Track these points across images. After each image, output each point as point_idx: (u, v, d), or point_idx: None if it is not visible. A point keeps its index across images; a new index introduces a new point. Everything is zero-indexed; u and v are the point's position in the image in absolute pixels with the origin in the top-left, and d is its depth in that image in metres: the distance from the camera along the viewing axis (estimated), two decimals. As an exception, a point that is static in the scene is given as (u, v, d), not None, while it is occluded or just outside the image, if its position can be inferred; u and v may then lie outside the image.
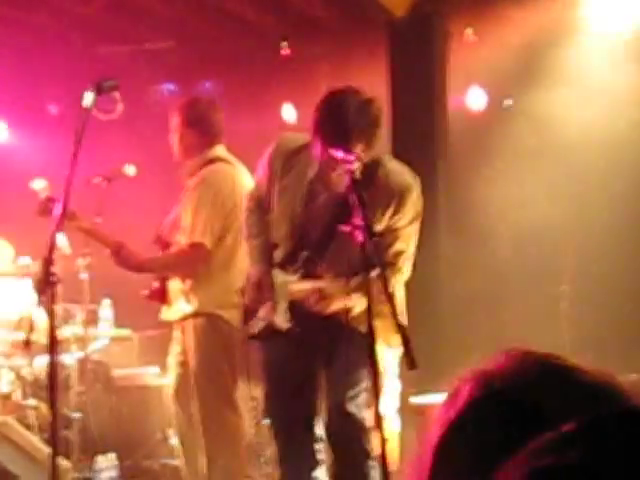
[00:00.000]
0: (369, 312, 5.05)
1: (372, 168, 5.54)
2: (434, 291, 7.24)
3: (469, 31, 8.17)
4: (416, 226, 5.76)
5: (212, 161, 7.43)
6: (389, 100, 7.17)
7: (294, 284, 5.77)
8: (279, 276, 5.81)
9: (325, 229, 5.75)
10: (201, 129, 7.45)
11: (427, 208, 6.23)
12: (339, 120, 5.41)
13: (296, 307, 5.78)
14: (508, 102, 8.79)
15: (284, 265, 5.83)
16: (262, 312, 5.84)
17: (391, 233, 5.58)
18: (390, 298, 4.79)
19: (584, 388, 1.59)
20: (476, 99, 8.79)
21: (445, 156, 7.01)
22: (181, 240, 7.31)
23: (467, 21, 7.89)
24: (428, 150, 6.94)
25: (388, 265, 5.33)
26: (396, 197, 5.63)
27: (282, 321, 5.79)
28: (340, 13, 7.97)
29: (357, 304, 5.71)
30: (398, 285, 5.61)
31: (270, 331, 5.85)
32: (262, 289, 5.79)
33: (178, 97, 7.84)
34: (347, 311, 5.77)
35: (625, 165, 8.07)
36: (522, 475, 1.09)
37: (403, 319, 5.31)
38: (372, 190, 5.44)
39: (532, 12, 7.99)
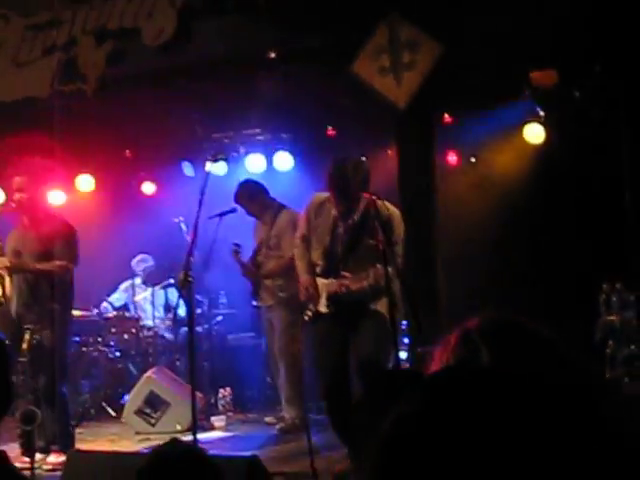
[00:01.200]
0: (389, 296, 5.10)
1: (372, 204, 5.55)
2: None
3: (446, 113, 8.16)
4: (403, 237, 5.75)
5: (280, 208, 7.72)
6: (398, 161, 7.15)
7: (329, 285, 5.79)
8: (320, 281, 5.84)
9: (346, 247, 5.78)
10: (267, 195, 7.82)
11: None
12: (341, 178, 5.53)
13: (332, 298, 5.77)
14: (472, 159, 8.75)
15: (322, 275, 5.85)
16: (311, 305, 5.85)
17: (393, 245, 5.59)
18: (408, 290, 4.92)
19: (534, 340, 1.61)
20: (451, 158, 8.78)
21: (437, 194, 6.96)
22: (274, 255, 7.65)
23: (446, 105, 7.85)
24: (426, 191, 6.90)
25: (397, 265, 5.37)
26: (388, 219, 5.61)
27: (323, 307, 5.81)
28: (364, 106, 7.94)
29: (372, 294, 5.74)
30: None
31: (316, 316, 5.83)
32: (309, 290, 5.81)
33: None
34: (367, 298, 5.78)
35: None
36: (391, 421, 0.99)
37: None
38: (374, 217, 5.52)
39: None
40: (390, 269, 5.23)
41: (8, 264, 6.55)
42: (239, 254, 7.69)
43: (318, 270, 5.88)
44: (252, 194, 7.77)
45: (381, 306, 5.63)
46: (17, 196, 6.70)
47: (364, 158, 5.93)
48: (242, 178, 8.28)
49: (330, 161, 8.35)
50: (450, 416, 0.95)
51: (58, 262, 6.65)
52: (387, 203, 5.71)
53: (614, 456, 0.95)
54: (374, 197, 5.51)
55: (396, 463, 0.95)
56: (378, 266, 5.42)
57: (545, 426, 0.93)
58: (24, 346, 6.15)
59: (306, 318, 5.90)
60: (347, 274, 5.73)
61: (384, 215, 5.55)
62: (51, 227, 6.74)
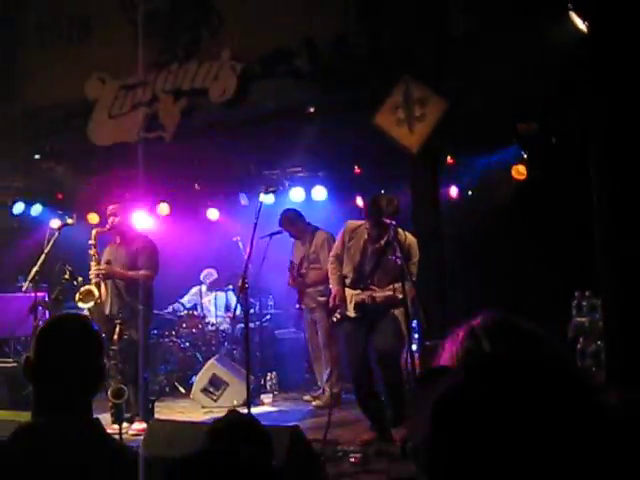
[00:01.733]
0: (405, 306, 5.09)
1: (395, 232, 5.49)
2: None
3: (449, 156, 8.10)
4: (418, 259, 5.72)
5: (315, 230, 7.74)
6: (411, 194, 7.09)
7: (357, 295, 5.78)
8: (348, 291, 5.83)
9: (373, 265, 5.76)
10: (304, 220, 7.77)
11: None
12: (377, 210, 5.49)
13: (359, 305, 5.77)
14: (469, 193, 8.70)
15: (351, 286, 5.83)
16: (340, 310, 5.83)
17: (409, 264, 5.56)
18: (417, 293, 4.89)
19: (526, 335, 1.58)
20: (453, 191, 8.73)
21: (442, 220, 6.84)
22: (314, 267, 7.62)
23: (449, 149, 7.81)
24: (434, 218, 6.80)
25: (412, 281, 5.34)
26: (407, 246, 5.61)
27: (351, 312, 5.79)
28: (384, 150, 7.89)
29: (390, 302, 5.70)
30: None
31: (344, 319, 5.82)
32: (337, 301, 5.81)
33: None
34: (386, 306, 5.76)
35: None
36: (443, 390, 1.01)
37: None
38: (396, 242, 5.45)
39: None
40: (407, 284, 5.22)
41: (104, 271, 6.63)
42: (294, 269, 7.73)
43: (347, 282, 5.89)
44: (292, 220, 7.82)
45: (397, 311, 5.63)
46: (111, 219, 6.80)
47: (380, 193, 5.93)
48: (285, 207, 8.32)
49: (356, 194, 8.38)
50: (487, 389, 0.99)
51: (143, 271, 6.72)
52: (407, 232, 5.72)
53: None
54: (397, 226, 5.54)
55: (447, 422, 0.99)
56: (396, 285, 5.41)
57: (555, 400, 0.98)
58: (115, 338, 6.21)
59: (334, 320, 5.91)
60: (374, 287, 5.76)
61: (403, 241, 5.57)
62: (138, 244, 6.83)
